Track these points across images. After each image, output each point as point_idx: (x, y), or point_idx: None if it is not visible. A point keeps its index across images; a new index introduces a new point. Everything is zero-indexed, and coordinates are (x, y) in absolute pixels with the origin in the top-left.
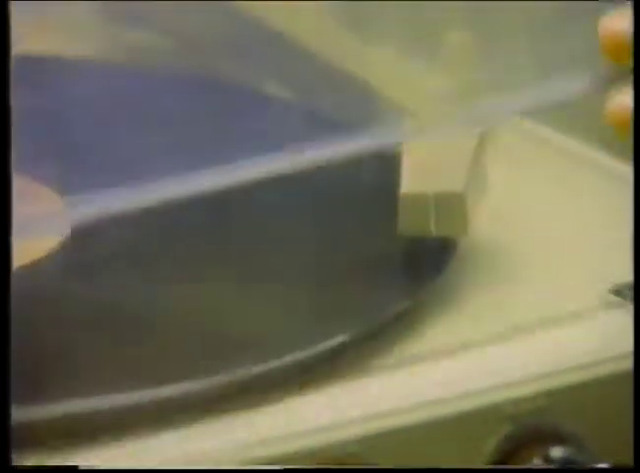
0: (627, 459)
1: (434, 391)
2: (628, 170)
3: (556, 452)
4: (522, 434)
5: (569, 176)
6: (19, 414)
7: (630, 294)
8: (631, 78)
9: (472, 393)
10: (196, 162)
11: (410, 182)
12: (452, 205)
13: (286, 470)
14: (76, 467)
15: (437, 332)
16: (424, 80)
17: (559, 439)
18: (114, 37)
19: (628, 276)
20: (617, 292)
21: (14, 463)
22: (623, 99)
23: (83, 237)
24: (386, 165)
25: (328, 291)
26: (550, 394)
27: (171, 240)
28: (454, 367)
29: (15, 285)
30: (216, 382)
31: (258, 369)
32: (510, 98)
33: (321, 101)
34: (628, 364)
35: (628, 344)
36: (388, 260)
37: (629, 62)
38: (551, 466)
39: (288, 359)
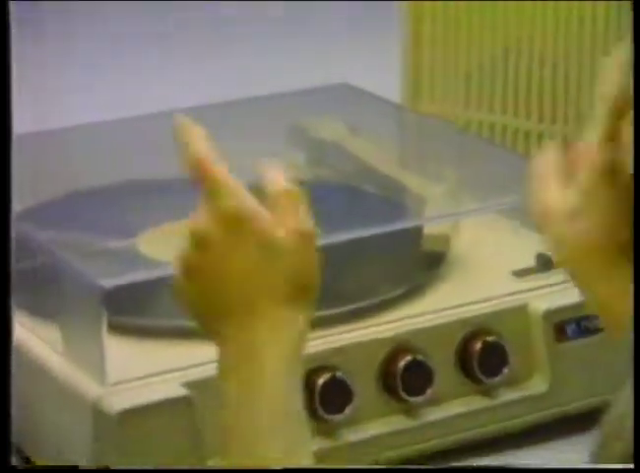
0: (522, 342)
1: (435, 314)
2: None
3: (489, 339)
4: (472, 331)
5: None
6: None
7: (533, 272)
8: None
9: (451, 314)
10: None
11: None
12: (444, 237)
13: (288, 470)
14: (76, 467)
15: (437, 291)
16: (433, 187)
17: (491, 333)
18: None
19: (521, 265)
20: (516, 273)
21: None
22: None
23: None
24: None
25: (382, 272)
26: (489, 314)
27: None
28: (443, 304)
29: None
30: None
31: (363, 303)
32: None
33: (387, 191)
34: (521, 302)
35: (527, 295)
36: (416, 261)
37: None
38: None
39: (373, 299)
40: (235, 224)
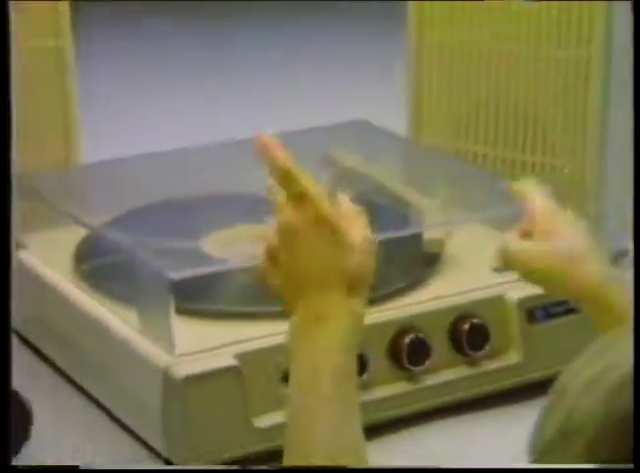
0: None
1: (433, 301)
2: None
3: (475, 321)
4: (461, 315)
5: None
6: None
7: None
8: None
9: (445, 302)
10: None
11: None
12: (439, 241)
13: (284, 470)
14: (77, 467)
15: (434, 284)
16: (431, 201)
17: (476, 317)
18: None
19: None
20: (495, 269)
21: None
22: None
23: None
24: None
25: (391, 268)
26: (475, 301)
27: None
28: (439, 294)
29: None
30: None
31: (377, 292)
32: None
33: (394, 205)
34: (500, 292)
35: (504, 287)
36: (417, 260)
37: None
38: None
39: (384, 290)
40: (319, 224)
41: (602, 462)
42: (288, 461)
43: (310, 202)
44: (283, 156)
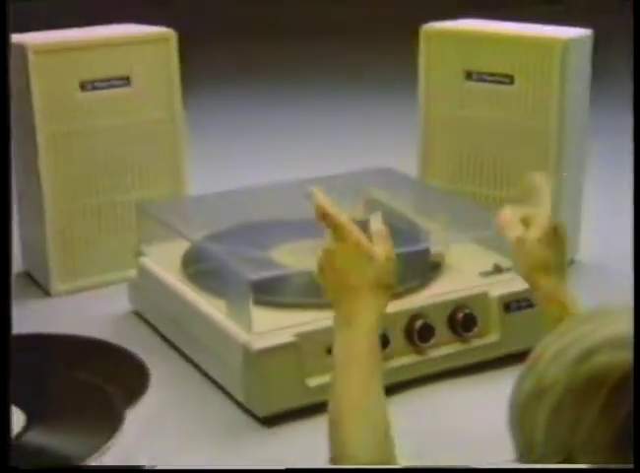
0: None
1: (436, 297)
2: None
3: (466, 311)
4: (457, 307)
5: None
6: None
7: (491, 273)
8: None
9: (446, 297)
10: None
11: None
12: (441, 254)
13: (287, 470)
14: (78, 467)
15: (437, 284)
16: (434, 225)
17: (468, 308)
18: None
19: (484, 269)
20: (481, 274)
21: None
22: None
23: None
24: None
25: (406, 273)
26: (467, 297)
27: None
28: (441, 291)
29: None
30: None
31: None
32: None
33: (408, 227)
34: (485, 290)
35: (488, 286)
36: (425, 267)
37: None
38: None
39: (401, 288)
40: (352, 247)
41: (568, 418)
42: (331, 410)
43: (344, 232)
44: (327, 206)
